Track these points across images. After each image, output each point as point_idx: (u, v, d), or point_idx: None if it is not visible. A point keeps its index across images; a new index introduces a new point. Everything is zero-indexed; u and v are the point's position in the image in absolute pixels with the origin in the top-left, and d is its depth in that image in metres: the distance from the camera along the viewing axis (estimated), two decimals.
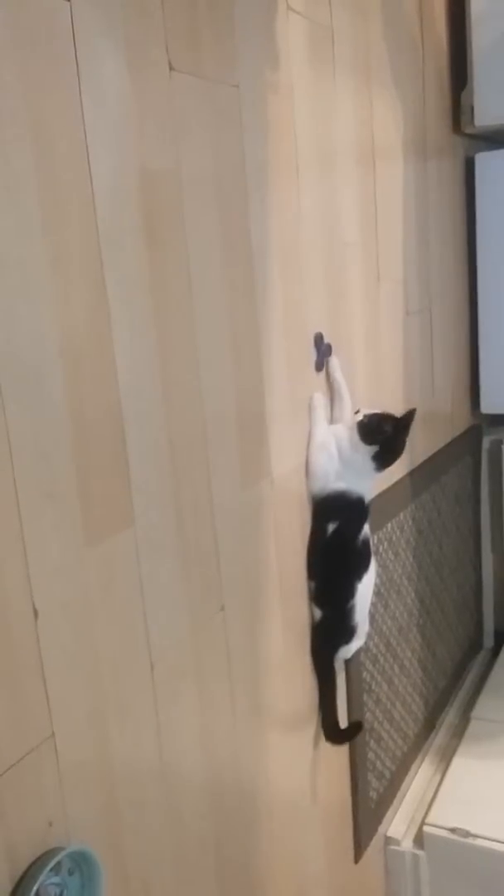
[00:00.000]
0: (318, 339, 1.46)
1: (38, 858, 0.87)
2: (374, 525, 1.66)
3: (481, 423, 2.57)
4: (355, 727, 1.59)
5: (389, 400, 1.82)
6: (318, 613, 1.49)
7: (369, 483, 1.49)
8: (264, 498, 1.32)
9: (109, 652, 0.98)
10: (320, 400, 1.43)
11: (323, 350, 1.47)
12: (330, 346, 1.49)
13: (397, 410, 1.72)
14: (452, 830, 1.84)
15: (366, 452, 1.43)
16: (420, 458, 2.05)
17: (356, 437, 1.43)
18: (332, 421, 1.51)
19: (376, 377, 1.75)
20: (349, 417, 1.48)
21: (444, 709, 2.34)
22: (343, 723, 1.61)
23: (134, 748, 1.03)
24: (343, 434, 1.45)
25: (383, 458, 1.44)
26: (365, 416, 1.44)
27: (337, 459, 1.44)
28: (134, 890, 1.04)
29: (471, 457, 2.50)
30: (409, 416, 1.45)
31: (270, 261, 1.31)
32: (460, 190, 2.29)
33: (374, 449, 1.42)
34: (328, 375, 1.50)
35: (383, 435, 1.42)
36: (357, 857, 1.77)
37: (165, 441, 1.08)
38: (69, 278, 0.91)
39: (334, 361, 1.50)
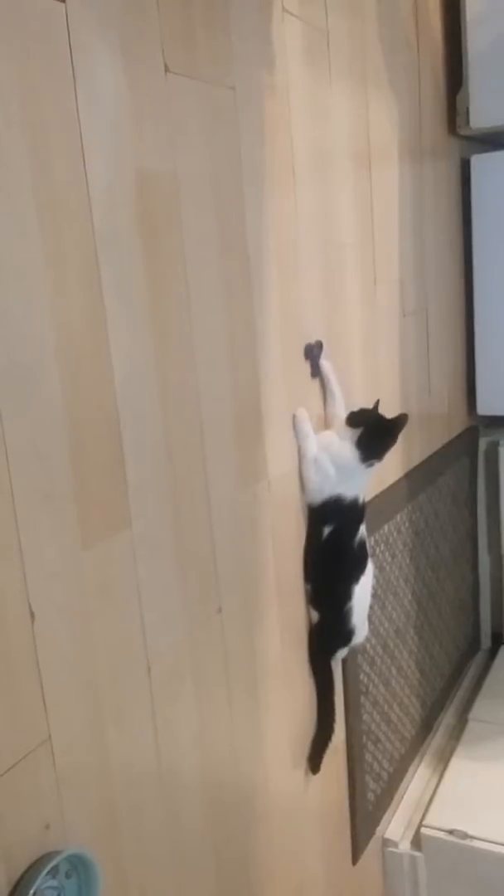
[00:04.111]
0: (308, 350, 1.46)
1: (35, 862, 0.87)
2: (370, 527, 1.66)
3: (478, 425, 2.57)
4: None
5: (386, 401, 1.82)
6: (315, 616, 1.49)
7: (363, 481, 1.49)
8: (261, 499, 1.32)
9: (106, 654, 0.98)
10: (304, 415, 1.42)
11: (315, 353, 1.47)
12: (321, 344, 1.49)
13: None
14: (450, 832, 1.83)
15: (351, 439, 1.43)
16: (416, 460, 2.05)
17: (344, 425, 1.46)
18: (326, 419, 1.51)
19: (373, 378, 1.76)
20: (342, 415, 1.49)
21: (441, 710, 2.34)
22: (339, 727, 1.61)
23: (131, 750, 1.03)
24: (333, 438, 1.45)
25: (367, 445, 1.44)
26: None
27: (331, 469, 1.43)
28: (131, 892, 1.04)
29: (467, 458, 2.50)
30: (402, 418, 1.49)
31: (267, 262, 1.31)
32: (456, 192, 2.29)
33: (358, 432, 1.43)
34: (320, 375, 1.49)
35: (368, 418, 1.45)
36: (355, 858, 1.77)
37: (162, 443, 1.07)
38: (65, 280, 0.91)
39: (326, 363, 1.49)
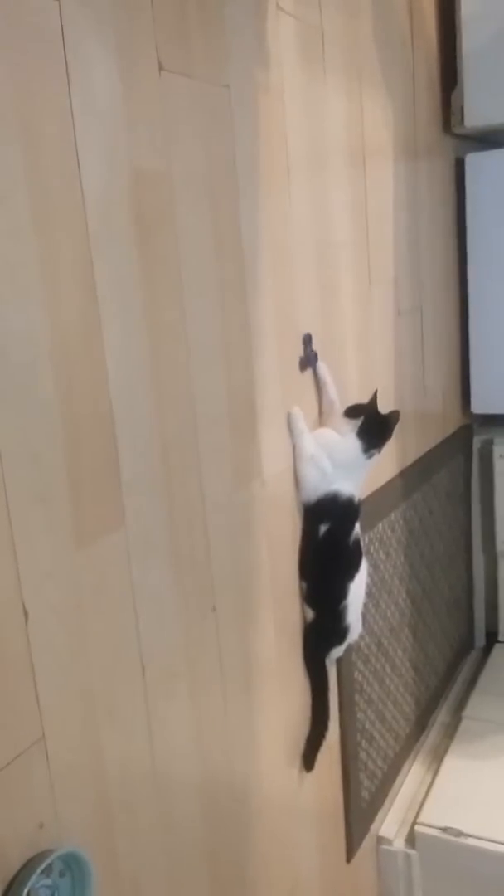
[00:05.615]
0: (307, 339, 1.46)
1: (29, 861, 0.87)
2: (365, 525, 1.66)
3: (472, 423, 2.57)
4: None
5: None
6: (310, 614, 1.49)
7: (361, 473, 1.49)
8: (256, 498, 1.32)
9: (100, 654, 0.98)
10: (299, 413, 1.43)
11: (310, 354, 1.47)
12: (316, 354, 1.49)
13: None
14: (444, 830, 1.84)
15: (352, 430, 1.45)
16: (411, 458, 2.05)
17: (343, 418, 1.48)
18: (321, 417, 1.51)
19: (368, 377, 1.75)
20: (338, 412, 1.50)
21: (435, 708, 2.34)
22: (334, 725, 1.61)
23: (125, 750, 1.03)
24: (331, 435, 1.45)
25: (369, 433, 1.45)
26: None
27: (327, 465, 1.43)
28: (125, 891, 1.04)
29: (462, 456, 2.50)
30: (394, 414, 1.52)
31: (261, 261, 1.31)
32: (451, 190, 2.29)
33: (358, 422, 1.45)
34: (315, 377, 1.49)
35: (367, 408, 1.48)
36: (349, 856, 1.77)
37: (157, 442, 1.07)
38: (59, 279, 0.90)
39: (322, 365, 1.50)
